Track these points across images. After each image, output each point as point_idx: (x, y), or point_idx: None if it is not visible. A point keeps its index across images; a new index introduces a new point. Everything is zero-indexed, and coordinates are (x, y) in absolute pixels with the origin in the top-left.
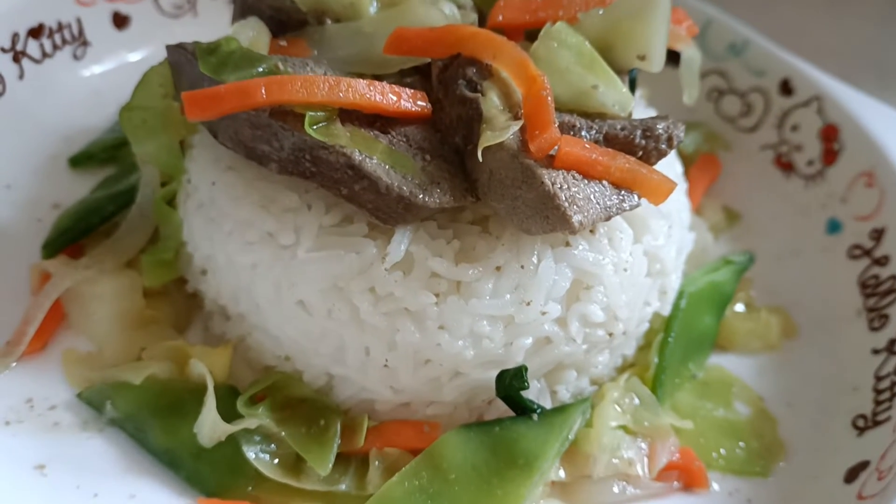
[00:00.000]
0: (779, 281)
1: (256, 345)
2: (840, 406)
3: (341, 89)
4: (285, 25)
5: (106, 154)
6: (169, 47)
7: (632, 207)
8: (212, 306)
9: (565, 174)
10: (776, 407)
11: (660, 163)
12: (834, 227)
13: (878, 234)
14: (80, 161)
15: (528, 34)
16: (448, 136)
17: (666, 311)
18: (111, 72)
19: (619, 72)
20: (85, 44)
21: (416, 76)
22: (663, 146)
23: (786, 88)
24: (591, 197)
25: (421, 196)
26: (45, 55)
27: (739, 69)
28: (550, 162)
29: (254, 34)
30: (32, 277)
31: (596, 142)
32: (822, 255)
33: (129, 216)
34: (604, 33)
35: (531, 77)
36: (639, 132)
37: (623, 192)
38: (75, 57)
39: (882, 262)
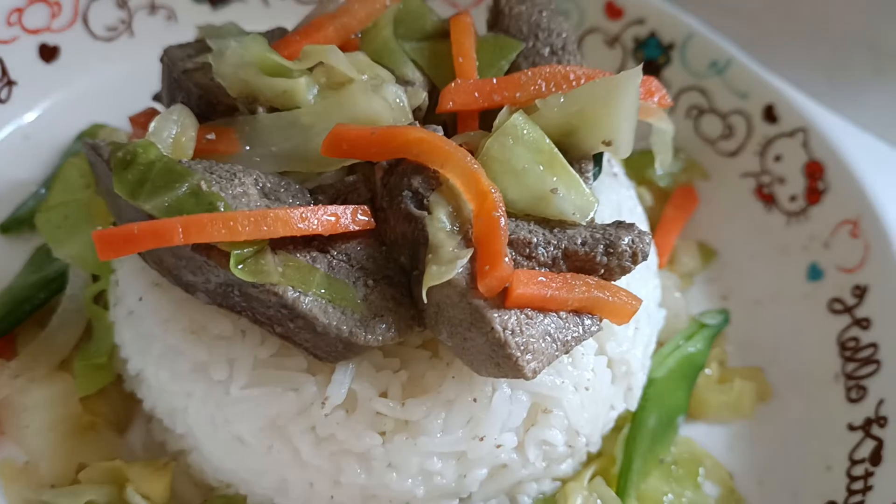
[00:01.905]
0: (755, 332)
1: (197, 464)
2: (812, 488)
3: (267, 223)
4: (214, 106)
5: None
6: (85, 144)
7: (593, 334)
8: (151, 412)
9: (518, 314)
10: (746, 485)
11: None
12: (815, 273)
13: (860, 293)
14: (10, 227)
15: (483, 115)
16: (394, 251)
17: (633, 406)
18: (44, 114)
19: (581, 157)
20: (10, 84)
21: (358, 173)
22: (627, 263)
23: (770, 115)
24: (548, 334)
25: (363, 334)
26: None
27: (721, 88)
28: (502, 299)
29: (178, 129)
30: None
31: (553, 259)
32: (802, 303)
33: (61, 309)
34: (566, 119)
35: (482, 193)
36: (601, 248)
37: (583, 317)
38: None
39: (863, 324)
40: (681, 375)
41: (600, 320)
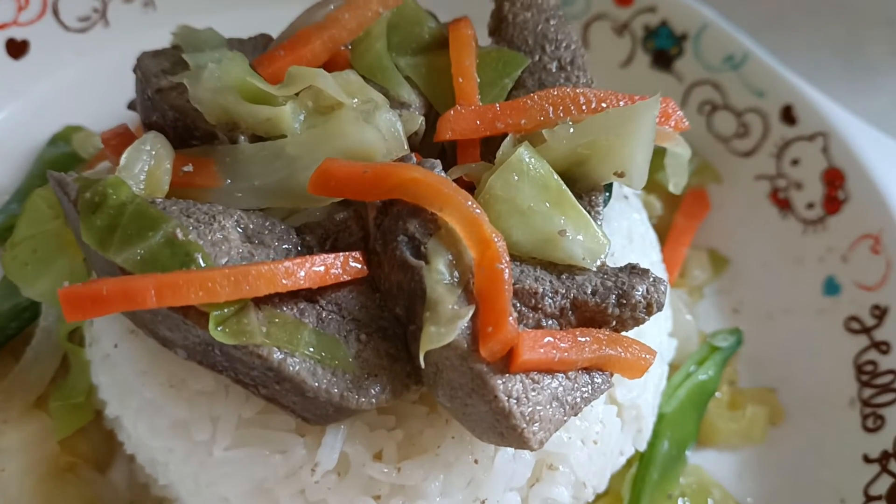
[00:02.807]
0: (767, 348)
1: None
2: None
3: (249, 282)
4: (191, 131)
5: (8, 234)
6: (51, 178)
7: (604, 392)
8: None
9: (524, 378)
10: None
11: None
12: (832, 288)
13: (880, 313)
14: None
15: (486, 139)
16: (388, 300)
17: (641, 446)
18: (13, 114)
19: (591, 189)
20: None
21: (349, 209)
22: (641, 315)
23: (788, 116)
24: (556, 398)
25: (355, 398)
26: None
27: (737, 84)
28: (506, 363)
29: (153, 162)
30: None
31: (561, 309)
32: (817, 319)
33: (35, 342)
34: (575, 150)
35: (484, 241)
36: (613, 298)
37: (594, 374)
38: None
39: (883, 348)
40: (691, 405)
41: (611, 376)
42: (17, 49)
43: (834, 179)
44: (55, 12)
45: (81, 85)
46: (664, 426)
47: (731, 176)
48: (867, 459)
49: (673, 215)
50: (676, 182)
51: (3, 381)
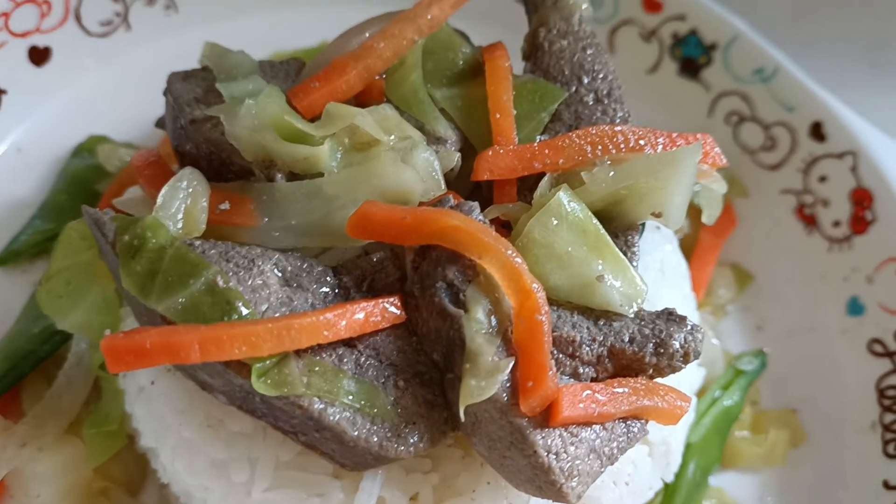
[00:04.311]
0: (790, 367)
1: None
2: None
3: (291, 336)
4: (227, 165)
5: (36, 249)
6: (86, 214)
7: (639, 439)
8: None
9: (562, 432)
10: None
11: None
12: (856, 308)
13: None
14: (7, 260)
15: (522, 177)
16: (426, 345)
17: (669, 478)
18: (38, 122)
19: (627, 228)
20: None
21: (385, 249)
22: (678, 363)
23: (817, 133)
24: (593, 450)
25: (394, 447)
26: None
27: (765, 97)
28: (546, 416)
29: (189, 201)
30: None
31: (598, 357)
32: (840, 339)
33: (67, 366)
34: (613, 191)
35: (524, 290)
36: (650, 347)
37: (630, 423)
38: None
39: None
40: (716, 432)
41: (647, 422)
42: (39, 56)
43: (862, 199)
44: (77, 17)
45: (104, 91)
46: (690, 455)
47: (756, 188)
48: (888, 486)
49: (698, 226)
50: (710, 214)
51: (36, 407)
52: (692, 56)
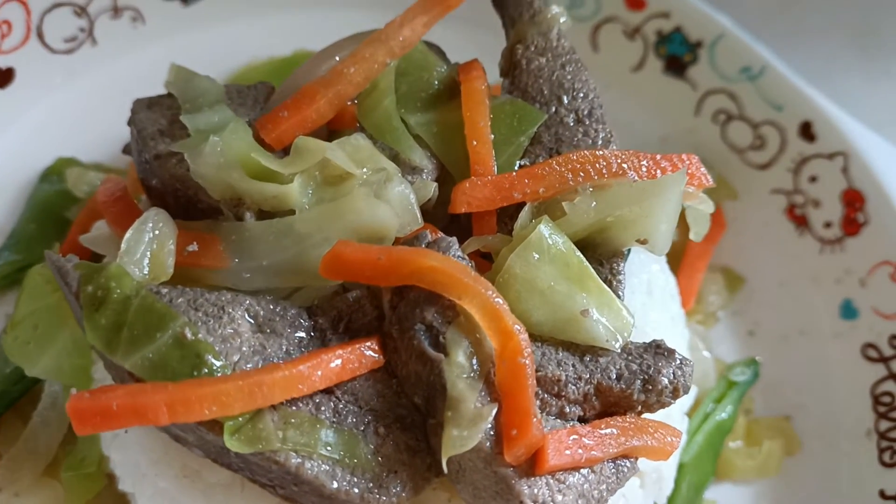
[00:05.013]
0: (783, 373)
1: None
2: None
3: (263, 392)
4: (194, 203)
5: (6, 281)
6: (49, 260)
7: (629, 478)
8: None
9: (549, 479)
10: None
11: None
12: (849, 311)
13: None
14: None
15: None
16: (406, 387)
17: (662, 501)
18: (3, 146)
19: (612, 255)
20: None
21: (362, 287)
22: (668, 399)
23: (807, 133)
24: (581, 495)
25: (376, 497)
26: None
27: (753, 96)
28: (531, 464)
29: (155, 245)
30: None
31: (585, 395)
32: (833, 343)
33: (41, 407)
34: (597, 220)
35: (506, 332)
36: (638, 384)
37: (619, 463)
38: None
39: None
40: (709, 447)
41: (636, 460)
42: (2, 78)
43: (854, 201)
44: (40, 35)
45: (72, 110)
46: (683, 475)
47: (746, 188)
48: (884, 496)
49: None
50: (698, 231)
51: (12, 450)
52: (677, 54)
